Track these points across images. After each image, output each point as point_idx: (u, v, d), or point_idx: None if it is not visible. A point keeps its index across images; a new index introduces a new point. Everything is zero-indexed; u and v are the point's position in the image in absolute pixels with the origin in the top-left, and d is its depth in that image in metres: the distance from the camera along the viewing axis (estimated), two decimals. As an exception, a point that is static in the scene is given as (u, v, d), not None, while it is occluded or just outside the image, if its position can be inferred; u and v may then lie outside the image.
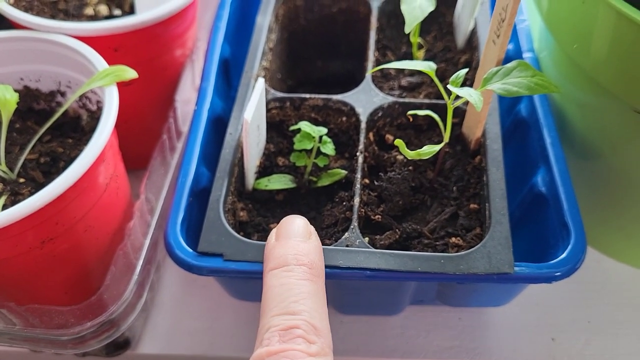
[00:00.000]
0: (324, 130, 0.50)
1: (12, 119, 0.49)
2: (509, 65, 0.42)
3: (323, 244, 0.41)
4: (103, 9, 0.59)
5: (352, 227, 0.44)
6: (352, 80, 0.58)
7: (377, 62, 0.58)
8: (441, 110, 0.49)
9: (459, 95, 0.41)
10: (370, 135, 0.52)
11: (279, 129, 0.55)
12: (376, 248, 0.44)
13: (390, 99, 0.53)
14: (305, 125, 0.49)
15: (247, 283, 0.49)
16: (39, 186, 0.46)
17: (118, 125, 0.47)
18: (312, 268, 0.35)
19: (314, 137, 0.49)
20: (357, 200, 0.46)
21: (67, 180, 0.40)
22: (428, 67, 0.44)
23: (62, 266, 0.46)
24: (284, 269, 0.35)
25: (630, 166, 0.51)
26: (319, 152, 0.50)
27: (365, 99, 0.53)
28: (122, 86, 0.49)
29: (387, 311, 0.55)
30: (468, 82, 0.55)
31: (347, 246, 0.43)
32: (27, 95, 0.53)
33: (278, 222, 0.39)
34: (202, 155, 0.50)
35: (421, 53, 0.61)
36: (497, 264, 0.42)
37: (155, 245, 0.50)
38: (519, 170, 0.53)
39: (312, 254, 0.36)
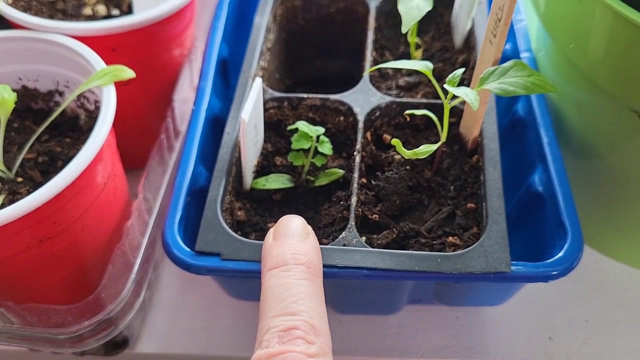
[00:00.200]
0: (322, 129, 0.50)
1: (10, 118, 0.49)
2: (505, 64, 0.43)
3: (320, 244, 0.41)
4: (101, 9, 0.59)
5: (349, 226, 0.44)
6: (350, 80, 0.58)
7: (375, 62, 0.58)
8: (438, 109, 0.49)
9: (456, 94, 0.42)
10: (368, 134, 0.52)
11: (276, 128, 0.55)
12: (373, 247, 0.44)
13: (388, 98, 0.53)
14: (302, 125, 0.50)
15: (245, 282, 0.49)
16: (37, 185, 0.46)
17: (116, 125, 0.47)
18: (310, 267, 0.35)
19: (311, 137, 0.50)
20: (354, 199, 0.46)
21: (64, 180, 0.41)
22: (425, 66, 0.44)
23: (59, 265, 0.46)
24: (282, 269, 0.35)
25: (628, 165, 0.51)
26: (317, 152, 0.50)
27: (362, 99, 0.53)
28: (120, 86, 0.49)
29: (385, 310, 0.55)
30: (466, 81, 0.55)
31: (344, 245, 0.43)
32: (25, 95, 0.53)
33: (276, 222, 0.39)
34: (199, 155, 0.50)
35: (419, 53, 0.61)
36: (494, 263, 0.42)
37: (153, 245, 0.50)
38: (516, 170, 0.53)
39: (310, 253, 0.36)
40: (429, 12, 0.50)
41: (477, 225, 0.46)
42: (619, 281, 0.59)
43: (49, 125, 0.49)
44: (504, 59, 0.47)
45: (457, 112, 0.52)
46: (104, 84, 0.47)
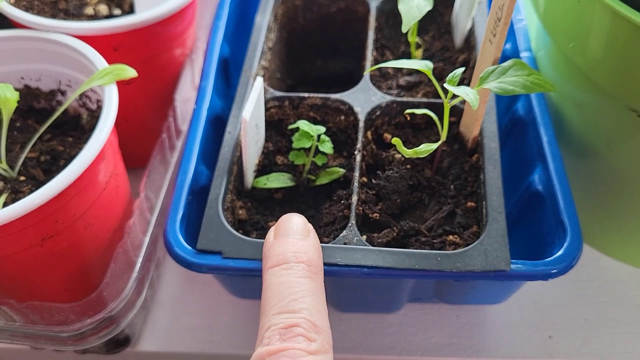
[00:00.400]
0: (323, 129, 0.50)
1: (12, 117, 0.50)
2: (505, 64, 0.43)
3: (321, 242, 0.41)
4: (103, 9, 0.59)
5: (350, 225, 0.45)
6: (351, 80, 0.59)
7: (376, 62, 0.59)
8: (439, 109, 0.49)
9: (456, 94, 0.42)
10: (369, 134, 0.53)
11: (277, 127, 0.55)
12: (374, 246, 0.44)
13: (389, 98, 0.53)
14: (303, 124, 0.50)
15: (246, 280, 0.49)
16: (39, 184, 0.46)
17: (118, 124, 0.47)
18: (311, 265, 0.35)
19: (312, 136, 0.50)
20: (355, 198, 0.46)
21: (67, 178, 0.41)
22: (425, 66, 0.44)
23: (62, 263, 0.46)
24: (283, 267, 0.35)
25: (627, 164, 0.51)
26: (318, 151, 0.50)
27: (363, 98, 0.54)
28: (122, 85, 0.49)
29: (385, 309, 0.56)
30: (466, 81, 0.55)
31: (345, 244, 0.43)
32: (28, 94, 0.53)
33: (277, 220, 0.39)
34: (201, 154, 0.51)
35: (419, 52, 0.61)
36: (493, 261, 0.42)
37: (154, 243, 0.50)
38: (516, 169, 0.54)
39: (310, 251, 0.36)
40: (429, 11, 0.50)
41: (477, 223, 0.46)
42: (618, 280, 0.59)
43: (51, 125, 0.49)
44: (504, 58, 0.48)
45: (457, 112, 0.52)
46: (106, 83, 0.47)
